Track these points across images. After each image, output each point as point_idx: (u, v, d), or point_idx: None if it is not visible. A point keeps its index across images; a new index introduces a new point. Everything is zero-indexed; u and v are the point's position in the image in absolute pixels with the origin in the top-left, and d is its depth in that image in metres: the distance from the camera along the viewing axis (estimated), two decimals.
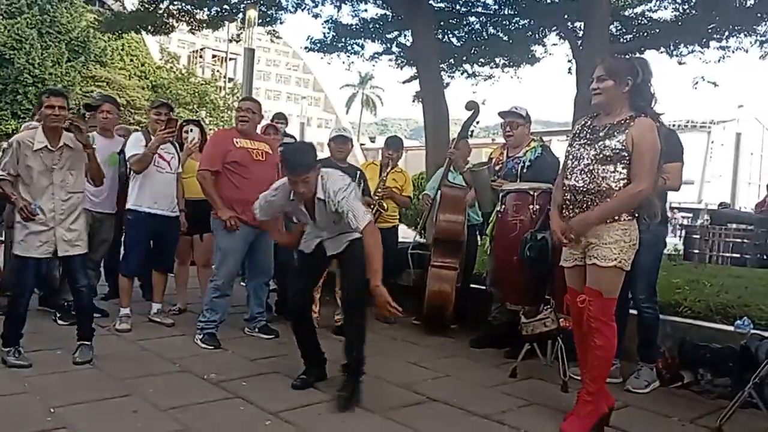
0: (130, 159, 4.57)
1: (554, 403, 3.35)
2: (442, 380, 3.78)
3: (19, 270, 3.73)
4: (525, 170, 4.38)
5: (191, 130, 5.02)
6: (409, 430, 2.93)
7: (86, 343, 3.76)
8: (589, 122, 3.04)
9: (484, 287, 4.94)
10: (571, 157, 3.03)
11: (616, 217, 2.86)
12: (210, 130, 21.97)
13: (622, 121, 2.89)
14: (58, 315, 4.62)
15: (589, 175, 2.91)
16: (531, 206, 4.06)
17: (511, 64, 12.29)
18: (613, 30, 10.17)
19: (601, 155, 2.88)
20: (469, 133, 5.18)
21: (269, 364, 3.90)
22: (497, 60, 12.12)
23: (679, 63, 10.94)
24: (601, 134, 2.93)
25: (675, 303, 4.36)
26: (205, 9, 11.21)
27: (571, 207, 2.99)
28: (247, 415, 3.04)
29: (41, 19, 24.58)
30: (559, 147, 3.25)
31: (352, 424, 2.99)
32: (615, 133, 2.88)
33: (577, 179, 2.95)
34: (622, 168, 2.85)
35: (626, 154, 2.84)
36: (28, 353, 3.66)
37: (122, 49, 28.63)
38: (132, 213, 4.61)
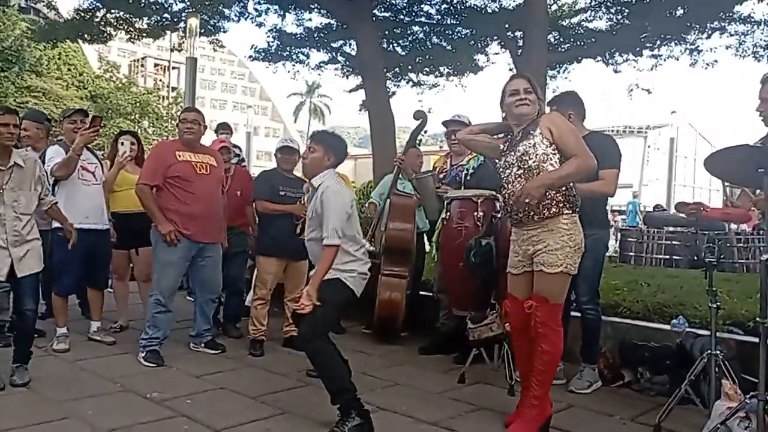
0: (52, 168, 4.28)
1: (501, 407, 3.39)
2: (392, 389, 3.78)
3: None
4: (468, 178, 4.46)
5: (123, 144, 4.84)
6: None
7: (24, 365, 3.63)
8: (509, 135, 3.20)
9: (432, 294, 4.98)
10: (502, 167, 3.15)
11: (560, 215, 2.93)
12: (153, 140, 21.46)
13: (531, 120, 3.04)
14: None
15: (525, 177, 2.99)
16: (475, 213, 4.12)
17: (455, 72, 12.52)
18: (552, 39, 10.49)
19: (522, 158, 3.00)
20: (418, 141, 5.23)
21: (215, 379, 3.82)
22: (441, 69, 12.33)
23: (615, 71, 11.37)
24: (517, 139, 3.07)
25: (615, 304, 4.50)
26: (145, 18, 10.98)
27: (513, 213, 3.06)
28: None
29: None
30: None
31: None
32: (530, 131, 3.01)
33: (512, 186, 3.04)
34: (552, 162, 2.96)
35: (546, 148, 2.96)
36: None
37: (59, 58, 27.66)
38: (62, 231, 4.41)
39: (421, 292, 5.28)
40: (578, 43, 11.13)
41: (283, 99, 67.18)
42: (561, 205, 2.94)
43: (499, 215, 3.92)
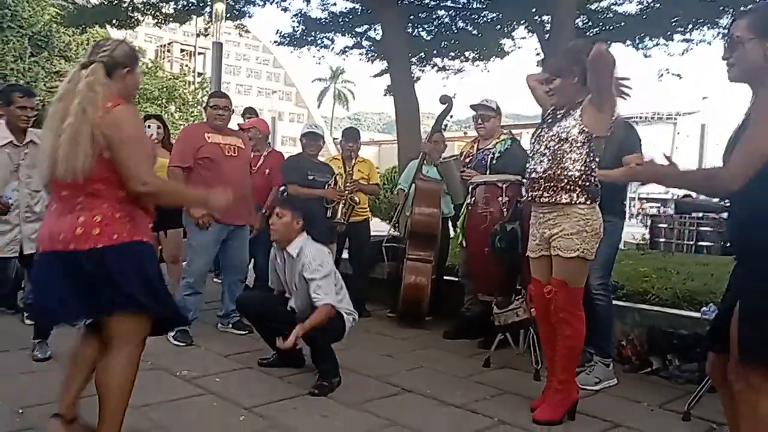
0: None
1: (527, 391, 3.39)
2: (417, 371, 3.80)
3: None
4: (494, 162, 4.42)
5: (149, 127, 4.91)
6: (385, 422, 2.94)
7: (44, 340, 3.73)
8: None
9: (456, 279, 4.98)
10: (532, 141, 3.08)
11: (574, 205, 2.88)
12: (180, 125, 21.66)
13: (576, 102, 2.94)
14: (25, 315, 4.52)
15: (550, 158, 2.94)
16: (500, 198, 4.11)
17: (481, 57, 12.39)
18: (580, 23, 10.32)
19: (553, 138, 2.93)
20: (443, 126, 5.21)
21: (242, 359, 3.88)
22: (467, 54, 12.21)
23: (645, 56, 11.16)
24: (558, 117, 3.00)
25: (643, 291, 4.45)
26: (172, 3, 11.05)
27: (534, 189, 3.01)
28: (221, 411, 3.02)
29: (1, 13, 23.87)
30: (528, 140, 3.30)
31: (327, 417, 2.99)
32: (570, 112, 2.93)
33: (534, 163, 3.00)
34: (579, 150, 2.89)
35: (577, 135, 2.87)
36: None
37: (87, 44, 27.90)
38: None
39: (446, 277, 5.28)
40: (607, 27, 10.93)
41: (308, 84, 67.37)
42: (576, 193, 2.89)
43: (524, 200, 3.89)
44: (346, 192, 5.11)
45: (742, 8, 9.67)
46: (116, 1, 10.93)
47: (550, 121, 3.05)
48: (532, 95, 3.35)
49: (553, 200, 2.92)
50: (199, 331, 4.38)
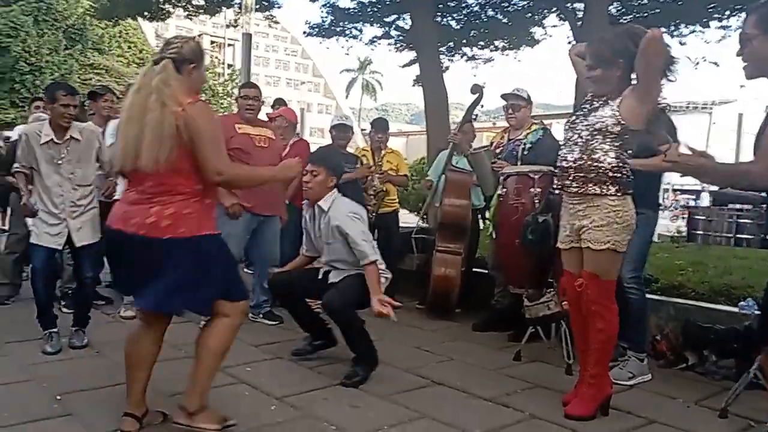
0: (110, 146, 4.47)
1: (558, 385, 3.35)
2: (447, 364, 3.79)
3: (32, 258, 3.81)
4: (526, 152, 4.36)
5: None
6: (415, 414, 2.93)
7: (82, 329, 3.85)
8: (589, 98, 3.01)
9: (486, 271, 4.94)
10: (566, 128, 3.01)
11: (605, 196, 2.81)
12: None
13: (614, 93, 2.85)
14: (62, 303, 4.63)
15: (581, 147, 2.88)
16: (532, 189, 4.05)
17: (511, 46, 12.23)
18: (613, 10, 10.11)
19: (588, 127, 2.86)
20: (473, 116, 5.16)
21: (273, 349, 3.91)
22: (497, 43, 12.06)
23: (680, 44, 10.88)
24: (596, 105, 2.91)
25: (678, 284, 4.36)
26: None
27: (564, 178, 2.95)
28: (253, 401, 3.05)
29: (37, 6, 24.32)
30: (559, 130, 3.23)
31: (358, 408, 3.00)
32: (609, 102, 2.84)
33: (570, 150, 2.93)
34: (612, 142, 2.82)
35: (613, 126, 2.79)
36: (35, 341, 3.70)
37: (120, 36, 28.40)
38: None
39: (476, 269, 5.24)
40: (642, 13, 10.67)
41: (336, 75, 67.42)
42: (606, 185, 2.82)
43: (557, 191, 3.83)
44: (375, 166, 5.11)
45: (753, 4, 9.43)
46: None
47: (586, 109, 2.96)
48: (573, 69, 3.23)
49: (582, 191, 2.86)
50: None
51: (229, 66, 38.56)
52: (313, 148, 5.39)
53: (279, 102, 6.41)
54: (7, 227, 5.37)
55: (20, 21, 23.35)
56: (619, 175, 2.83)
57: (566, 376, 3.50)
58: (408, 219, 8.88)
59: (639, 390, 3.40)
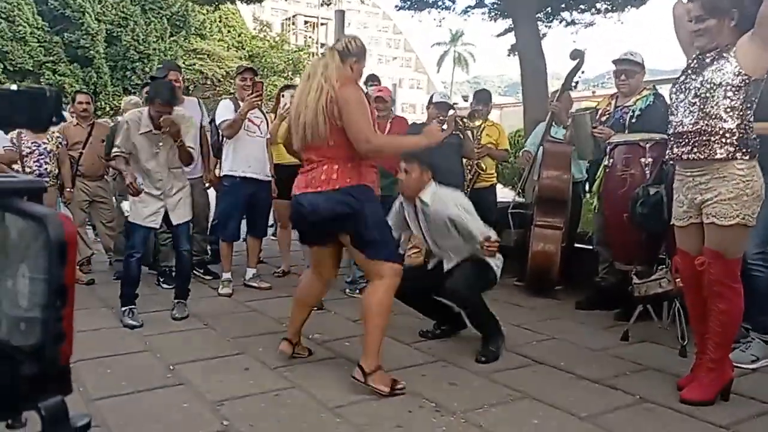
0: (221, 125, 4.70)
1: (671, 368, 3.15)
2: (548, 343, 3.66)
3: (130, 236, 4.04)
4: (634, 120, 4.07)
5: (284, 96, 5.05)
6: (517, 393, 2.85)
7: (183, 301, 4.04)
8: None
9: (589, 247, 4.72)
10: (675, 91, 2.76)
11: (732, 160, 2.55)
12: None
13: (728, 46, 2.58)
14: (161, 279, 4.88)
15: (699, 107, 2.62)
16: (642, 159, 3.80)
17: (614, 8, 11.47)
18: None
19: (704, 84, 2.60)
20: (573, 84, 4.89)
21: None
22: (598, 5, 11.36)
23: None
24: (707, 61, 2.64)
25: None
26: None
27: (679, 146, 2.70)
28: (351, 374, 3.07)
29: None
30: (667, 97, 2.96)
31: (456, 386, 2.95)
32: (723, 54, 2.58)
33: (679, 115, 2.69)
34: (735, 96, 2.55)
35: (733, 77, 2.53)
36: (143, 314, 3.92)
37: (220, 21, 29.47)
38: (228, 179, 4.75)
39: (578, 245, 5.02)
40: None
41: (427, 49, 66.84)
42: (734, 148, 2.55)
43: (670, 162, 3.55)
44: (474, 158, 5.01)
45: None
46: None
47: (695, 66, 2.70)
48: (673, 25, 2.94)
49: (706, 156, 2.59)
50: (328, 296, 4.46)
51: (322, 45, 39.07)
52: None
53: (372, 78, 6.37)
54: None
55: (129, 11, 24.78)
56: (746, 135, 2.57)
57: (680, 358, 3.28)
58: (504, 194, 8.66)
59: (763, 374, 3.12)
